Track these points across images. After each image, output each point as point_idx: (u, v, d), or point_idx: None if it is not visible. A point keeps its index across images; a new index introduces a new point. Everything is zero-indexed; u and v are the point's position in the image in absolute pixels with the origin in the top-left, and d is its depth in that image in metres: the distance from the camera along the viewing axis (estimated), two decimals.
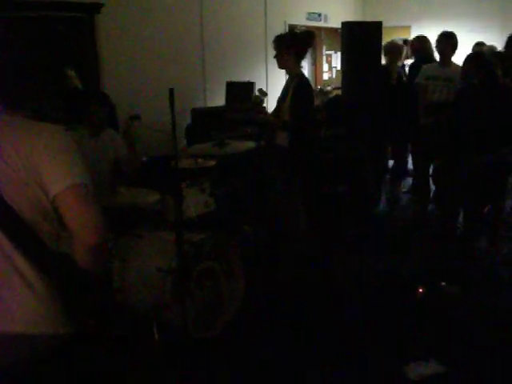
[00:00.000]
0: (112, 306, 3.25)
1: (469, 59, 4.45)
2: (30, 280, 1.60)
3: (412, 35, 10.30)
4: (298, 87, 4.22)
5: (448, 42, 5.51)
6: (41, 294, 1.62)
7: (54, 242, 1.66)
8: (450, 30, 5.82)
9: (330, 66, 10.31)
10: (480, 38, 7.95)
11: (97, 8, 5.79)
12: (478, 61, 4.43)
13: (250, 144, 4.31)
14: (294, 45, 4.23)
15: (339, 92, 7.22)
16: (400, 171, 6.46)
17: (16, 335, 1.60)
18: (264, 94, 4.92)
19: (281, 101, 4.43)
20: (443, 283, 4.12)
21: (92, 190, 1.65)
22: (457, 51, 5.66)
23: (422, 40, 6.44)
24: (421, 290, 4.03)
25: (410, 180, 6.68)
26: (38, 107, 1.75)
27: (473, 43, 7.48)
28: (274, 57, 4.31)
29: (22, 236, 1.58)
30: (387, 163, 6.44)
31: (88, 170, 1.67)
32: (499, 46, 7.41)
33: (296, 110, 4.19)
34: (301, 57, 4.32)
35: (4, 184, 1.56)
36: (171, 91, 2.76)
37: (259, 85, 6.58)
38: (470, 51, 5.56)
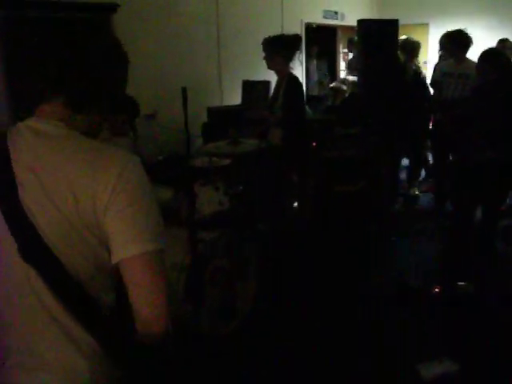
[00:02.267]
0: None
1: (484, 56, 4.40)
2: (73, 335, 1.28)
3: (430, 33, 10.24)
4: (288, 85, 4.44)
5: (456, 40, 5.49)
6: (85, 351, 1.29)
7: (110, 295, 1.34)
8: (467, 26, 5.77)
9: (346, 64, 10.27)
10: (499, 34, 7.86)
11: (113, 8, 5.84)
12: (494, 58, 4.38)
13: (262, 143, 4.35)
14: (282, 47, 4.46)
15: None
16: (416, 169, 6.44)
17: None
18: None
19: (273, 101, 4.64)
20: (459, 282, 4.08)
21: (165, 256, 1.28)
22: (474, 48, 5.62)
23: None
24: (437, 290, 4.00)
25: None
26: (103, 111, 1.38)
27: (492, 39, 7.41)
28: (264, 58, 4.52)
29: (70, 294, 1.25)
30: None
31: (162, 223, 1.29)
32: None
33: (288, 106, 4.40)
34: (290, 58, 4.54)
35: (50, 229, 1.21)
36: (184, 90, 2.78)
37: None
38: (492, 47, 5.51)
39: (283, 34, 4.66)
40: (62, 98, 1.27)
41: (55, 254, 1.21)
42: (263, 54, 4.57)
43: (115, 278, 1.29)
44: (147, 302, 1.24)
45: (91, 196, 1.18)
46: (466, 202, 4.45)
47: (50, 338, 1.29)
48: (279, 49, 4.44)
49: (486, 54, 4.43)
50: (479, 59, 4.45)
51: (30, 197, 1.20)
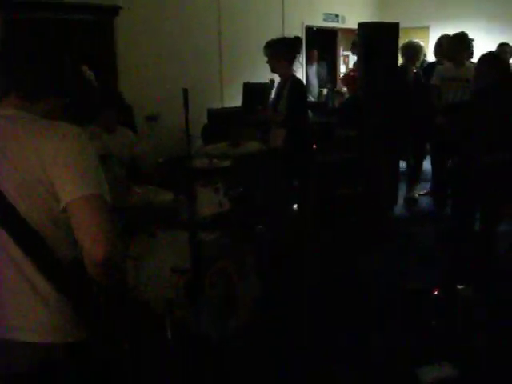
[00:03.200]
0: (126, 313, 3.27)
1: (483, 59, 4.41)
2: (38, 287, 1.55)
3: (431, 36, 10.26)
4: (293, 87, 4.43)
5: (458, 43, 5.49)
6: (49, 302, 1.56)
7: (69, 249, 1.57)
8: (468, 30, 5.79)
9: (347, 67, 10.29)
10: (499, 38, 7.88)
11: (115, 11, 5.86)
12: (492, 61, 4.39)
13: (263, 145, 4.35)
14: (285, 50, 4.46)
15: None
16: (416, 173, 6.44)
17: (23, 344, 1.56)
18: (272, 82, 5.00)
19: (275, 103, 4.62)
20: (459, 286, 4.08)
21: (108, 201, 1.54)
22: (475, 51, 5.64)
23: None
24: (436, 293, 4.00)
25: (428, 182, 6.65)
26: (57, 103, 1.66)
27: (492, 43, 7.42)
28: (267, 62, 4.51)
29: (32, 243, 1.51)
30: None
31: (104, 180, 1.55)
32: None
33: (292, 108, 4.38)
34: (292, 61, 4.53)
35: (11, 189, 1.48)
36: (185, 91, 2.78)
37: None
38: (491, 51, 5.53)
39: (285, 37, 4.66)
40: (16, 91, 1.58)
41: (18, 211, 1.48)
42: (264, 57, 4.58)
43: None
44: (90, 236, 1.47)
45: (41, 156, 1.46)
46: (466, 205, 4.45)
47: (16, 288, 1.54)
48: (282, 52, 4.43)
49: (485, 58, 4.44)
50: (478, 62, 4.46)
51: None
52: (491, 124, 4.21)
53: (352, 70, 7.80)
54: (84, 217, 1.48)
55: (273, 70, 4.55)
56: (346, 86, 7.58)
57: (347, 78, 7.62)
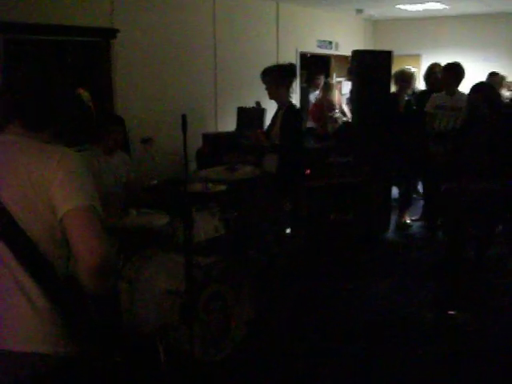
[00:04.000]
0: (119, 328, 3.28)
1: (475, 89, 4.51)
2: (33, 298, 1.62)
3: (422, 64, 10.43)
4: (287, 113, 4.47)
5: (449, 72, 5.59)
6: (43, 313, 1.63)
7: (63, 264, 1.67)
8: (459, 59, 5.91)
9: (340, 93, 10.39)
10: (493, 67, 8.05)
11: (113, 33, 5.93)
12: (484, 91, 4.49)
13: (257, 170, 4.39)
14: (283, 77, 4.50)
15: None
16: (407, 198, 6.50)
17: (15, 353, 1.61)
18: (260, 106, 5.07)
19: (270, 129, 4.66)
20: (453, 311, 4.11)
21: (100, 213, 1.66)
22: (467, 80, 5.75)
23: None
24: (429, 317, 4.04)
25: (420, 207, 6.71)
26: (56, 130, 1.77)
27: (482, 72, 7.58)
28: (266, 89, 4.55)
29: (28, 254, 1.60)
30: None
31: (97, 193, 1.68)
32: (509, 74, 7.53)
33: (286, 134, 4.41)
34: (289, 86, 4.58)
35: (14, 205, 1.59)
36: (184, 117, 2.82)
37: (270, 111, 6.68)
38: (479, 79, 5.65)
39: (281, 64, 4.70)
40: (20, 121, 1.69)
41: (16, 221, 1.58)
42: (258, 82, 4.63)
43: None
44: (83, 244, 1.57)
45: (41, 175, 1.59)
46: (457, 230, 4.51)
47: (11, 299, 1.62)
48: (280, 78, 4.47)
49: (477, 87, 4.54)
50: (470, 91, 4.55)
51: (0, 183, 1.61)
52: (481, 153, 4.30)
53: (314, 105, 7.82)
54: (79, 225, 1.59)
55: (271, 97, 4.58)
56: (315, 121, 7.47)
57: (313, 111, 7.61)
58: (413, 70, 6.57)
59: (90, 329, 1.70)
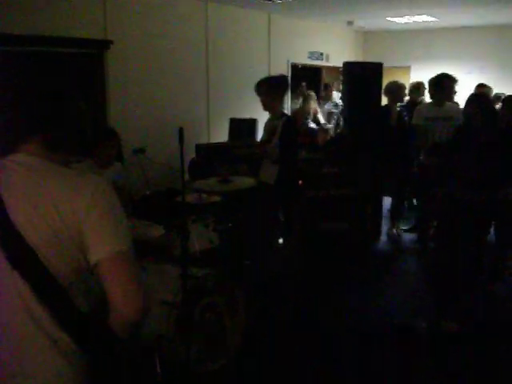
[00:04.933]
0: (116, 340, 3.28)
1: (471, 100, 4.58)
2: (58, 341, 1.50)
3: (412, 76, 10.56)
4: (287, 124, 4.50)
5: (437, 86, 5.69)
6: (69, 355, 1.52)
7: (87, 302, 1.57)
8: (448, 71, 6.00)
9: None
10: (478, 79, 8.16)
11: (106, 45, 5.97)
12: (480, 102, 4.56)
13: (252, 180, 4.41)
14: (276, 88, 4.55)
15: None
16: (399, 209, 6.56)
17: None
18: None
19: (266, 140, 4.67)
20: (442, 321, 4.15)
21: (134, 255, 1.54)
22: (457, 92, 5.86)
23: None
24: (422, 327, 4.07)
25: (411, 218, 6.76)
26: (72, 148, 1.65)
27: (471, 84, 7.68)
28: (261, 100, 4.57)
29: (53, 296, 1.48)
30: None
31: (130, 233, 1.56)
32: (495, 86, 7.65)
33: (285, 146, 4.43)
34: (282, 97, 4.65)
35: (39, 241, 1.44)
36: (181, 130, 2.85)
37: (262, 121, 6.73)
38: (469, 92, 5.74)
39: (274, 76, 4.75)
40: (40, 140, 1.54)
41: (41, 260, 1.43)
42: (250, 93, 4.67)
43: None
44: (123, 295, 1.47)
45: (71, 211, 1.44)
46: (450, 240, 4.55)
47: (33, 343, 1.49)
48: (274, 90, 4.52)
49: (474, 98, 4.61)
50: (467, 103, 4.62)
51: (19, 213, 1.45)
52: (470, 163, 4.36)
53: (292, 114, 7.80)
54: (116, 273, 1.48)
55: (265, 108, 4.61)
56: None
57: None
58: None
59: (115, 369, 1.63)
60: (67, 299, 1.49)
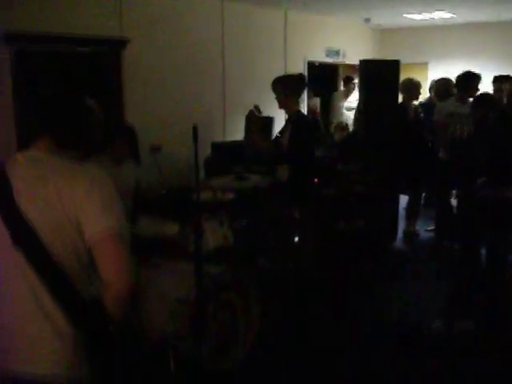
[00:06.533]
0: (130, 337, 3.29)
1: (477, 104, 4.56)
2: (55, 322, 1.62)
3: (429, 73, 10.45)
4: (298, 121, 4.47)
5: (468, 81, 5.63)
6: (65, 338, 1.63)
7: (86, 286, 1.67)
8: (466, 67, 5.94)
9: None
10: (492, 75, 8.01)
11: (123, 43, 5.99)
12: (487, 101, 4.52)
13: (266, 179, 4.40)
14: (293, 87, 4.52)
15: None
16: (415, 207, 6.49)
17: (37, 375, 1.63)
18: (259, 110, 5.08)
19: (279, 137, 4.65)
20: (457, 320, 4.10)
21: (128, 238, 1.67)
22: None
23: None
24: (437, 327, 4.03)
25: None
26: (85, 148, 1.79)
27: (488, 80, 7.54)
28: (276, 98, 4.55)
29: (53, 277, 1.60)
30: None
31: (124, 217, 1.69)
32: None
33: (293, 145, 4.39)
34: (298, 96, 4.61)
35: (43, 226, 1.58)
36: (195, 129, 2.85)
37: (278, 121, 6.71)
38: (486, 88, 5.69)
39: (291, 75, 4.73)
40: (48, 137, 1.70)
41: (42, 241, 1.57)
42: (267, 91, 4.65)
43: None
44: (115, 271, 1.60)
45: (71, 197, 1.59)
46: (471, 238, 4.51)
47: (32, 320, 1.61)
48: (291, 88, 4.49)
49: (479, 99, 4.58)
50: (473, 105, 4.59)
51: (25, 198, 1.60)
52: (490, 159, 4.32)
53: None
54: (110, 252, 1.61)
55: (281, 106, 4.58)
56: None
57: None
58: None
59: (110, 354, 1.70)
60: (67, 281, 1.60)
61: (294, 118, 4.51)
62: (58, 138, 1.71)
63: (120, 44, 6.01)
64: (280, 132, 4.68)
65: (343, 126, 7.50)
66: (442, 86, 6.42)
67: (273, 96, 4.61)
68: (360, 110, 6.73)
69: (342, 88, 9.01)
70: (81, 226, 1.60)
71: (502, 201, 4.22)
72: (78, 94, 1.77)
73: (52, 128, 1.71)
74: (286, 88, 4.48)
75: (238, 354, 3.53)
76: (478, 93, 5.44)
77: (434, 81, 7.34)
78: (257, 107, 4.95)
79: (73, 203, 1.59)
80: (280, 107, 4.61)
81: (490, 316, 4.19)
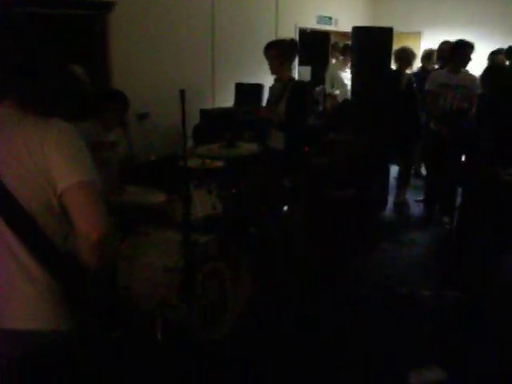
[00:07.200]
0: (116, 305, 3.26)
1: (488, 72, 4.47)
2: (32, 275, 1.62)
3: (422, 41, 10.33)
4: (294, 90, 4.39)
5: (454, 52, 5.53)
6: (43, 290, 1.64)
7: (61, 240, 1.66)
8: (460, 36, 5.83)
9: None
10: (489, 45, 7.92)
11: (109, 6, 5.82)
12: (497, 75, 4.44)
13: (256, 146, 4.33)
14: (286, 52, 4.44)
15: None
16: (406, 177, 6.47)
17: (17, 331, 1.63)
18: None
19: (273, 104, 4.55)
20: (446, 290, 4.12)
21: (99, 187, 1.65)
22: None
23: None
24: (425, 295, 4.04)
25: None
26: (49, 106, 1.73)
27: (482, 49, 7.45)
28: (269, 63, 4.46)
29: (28, 230, 1.60)
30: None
31: (95, 169, 1.67)
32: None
33: (293, 111, 4.33)
34: (291, 62, 4.55)
35: (12, 179, 1.57)
36: (182, 92, 2.77)
37: (268, 87, 6.60)
38: (479, 58, 5.59)
39: (284, 39, 4.63)
40: (14, 95, 1.65)
41: (14, 195, 1.56)
42: (257, 57, 4.56)
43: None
44: (85, 219, 1.59)
45: (40, 148, 1.56)
46: (471, 216, 4.47)
47: (16, 281, 1.61)
48: (284, 53, 4.41)
49: (490, 71, 4.50)
50: (483, 75, 4.50)
51: None
52: (498, 138, 4.26)
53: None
54: (80, 200, 1.60)
55: (273, 72, 4.50)
56: None
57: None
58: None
59: (88, 305, 1.71)
60: (41, 232, 1.60)
61: (290, 85, 4.41)
62: (26, 97, 1.66)
63: (106, 7, 5.84)
64: (274, 99, 4.57)
65: (334, 96, 7.42)
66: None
67: (263, 63, 4.51)
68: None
69: (337, 57, 8.77)
70: (51, 177, 1.59)
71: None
72: (56, 57, 1.73)
73: (19, 87, 1.66)
74: (280, 53, 4.39)
75: (227, 322, 3.51)
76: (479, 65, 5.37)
77: (425, 50, 7.24)
78: None
79: (42, 155, 1.57)
80: (272, 73, 4.53)
81: (480, 286, 4.20)
